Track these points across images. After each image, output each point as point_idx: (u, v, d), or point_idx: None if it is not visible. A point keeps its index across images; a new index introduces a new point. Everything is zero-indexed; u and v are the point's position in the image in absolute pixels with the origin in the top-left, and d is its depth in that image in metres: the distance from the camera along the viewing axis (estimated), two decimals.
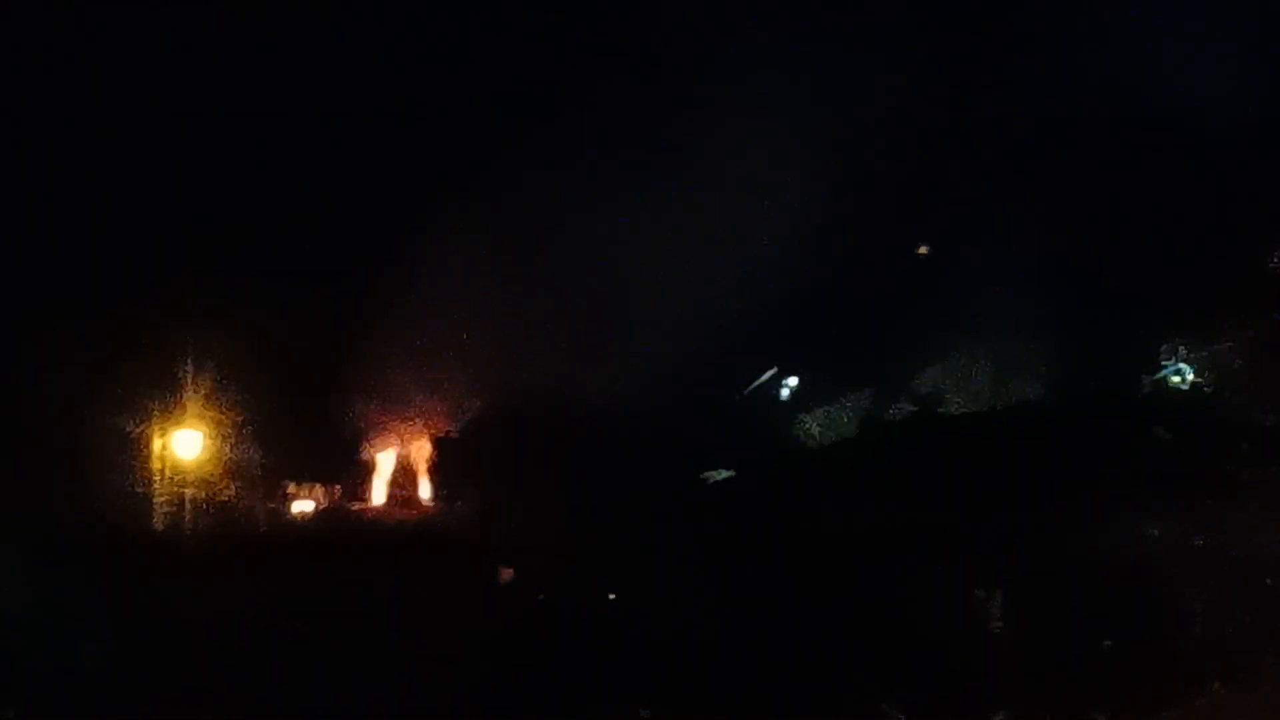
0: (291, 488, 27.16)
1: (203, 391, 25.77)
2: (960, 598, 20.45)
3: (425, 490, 28.38)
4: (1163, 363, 26.51)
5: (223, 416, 25.96)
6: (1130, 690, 18.15)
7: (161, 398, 25.65)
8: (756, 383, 29.55)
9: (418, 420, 28.22)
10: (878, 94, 27.53)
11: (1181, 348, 26.17)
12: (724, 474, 28.04)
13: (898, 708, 17.98)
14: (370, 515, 27.82)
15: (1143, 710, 17.67)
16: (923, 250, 28.93)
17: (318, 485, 27.50)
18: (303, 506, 27.19)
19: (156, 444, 25.63)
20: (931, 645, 19.32)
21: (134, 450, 25.45)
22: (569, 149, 26.77)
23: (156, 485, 25.45)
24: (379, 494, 28.28)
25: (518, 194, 26.86)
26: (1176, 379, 26.45)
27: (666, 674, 19.56)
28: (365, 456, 28.24)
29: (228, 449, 26.14)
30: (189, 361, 25.69)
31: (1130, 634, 19.62)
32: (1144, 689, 18.15)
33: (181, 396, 25.71)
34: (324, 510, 27.37)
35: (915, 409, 29.01)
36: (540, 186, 26.89)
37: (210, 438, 26.00)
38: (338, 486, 27.85)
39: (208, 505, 25.80)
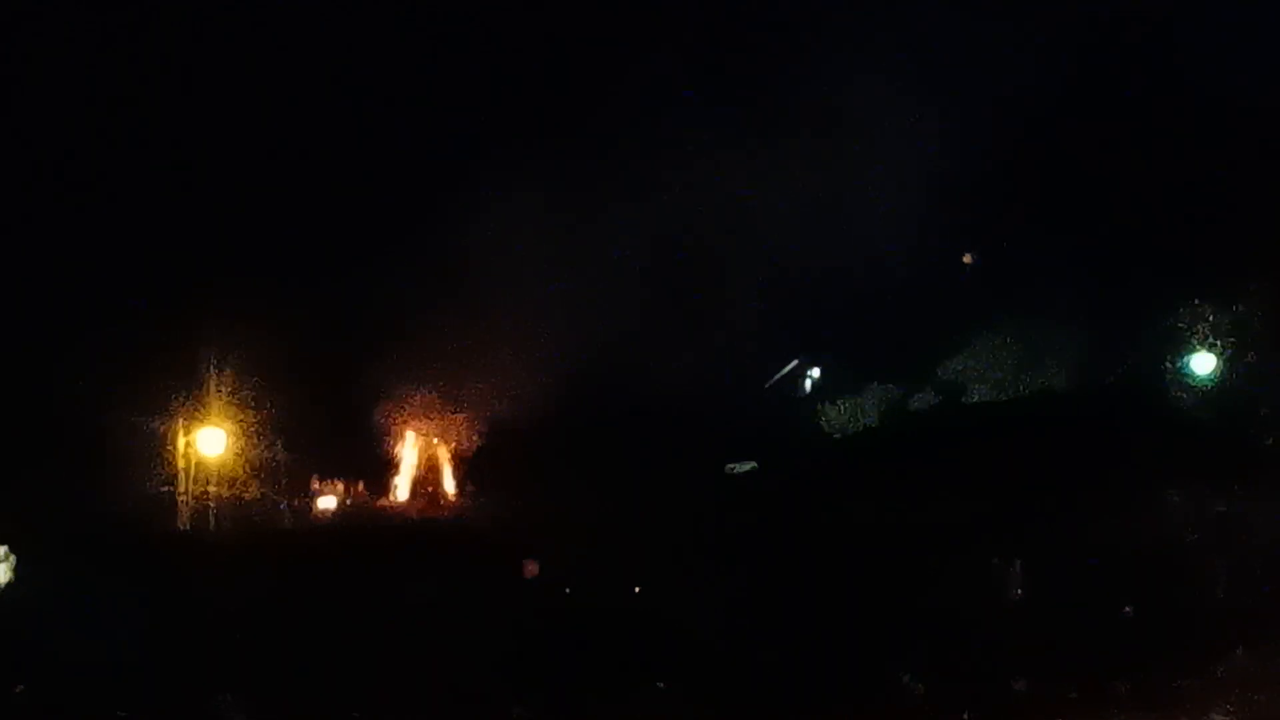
0: (316, 485, 27.22)
1: (229, 391, 25.88)
2: (980, 569, 20.48)
3: (451, 486, 28.42)
4: (1185, 342, 26.46)
5: (248, 415, 26.09)
6: (1152, 658, 18.07)
7: (188, 397, 25.78)
8: (780, 374, 29.59)
9: (444, 417, 28.28)
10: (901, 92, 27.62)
11: (1203, 325, 26.10)
12: (748, 465, 28.10)
13: (917, 679, 17.93)
14: (396, 512, 27.86)
15: (1164, 678, 17.58)
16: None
17: (342, 483, 27.55)
18: (327, 504, 27.23)
19: (183, 442, 25.75)
20: (951, 615, 19.32)
21: (161, 448, 25.58)
22: (595, 153, 26.91)
23: (182, 482, 25.57)
24: (404, 491, 28.32)
25: (543, 198, 26.91)
26: (1198, 367, 26.40)
27: (688, 651, 19.55)
28: (391, 454, 28.31)
29: (253, 447, 26.24)
30: (215, 362, 25.81)
31: (1151, 602, 19.59)
32: (1166, 657, 18.07)
33: (208, 396, 25.83)
34: (349, 507, 27.41)
35: (938, 398, 29.01)
36: (566, 191, 26.96)
37: (236, 436, 26.12)
38: (363, 484, 27.89)
39: (233, 502, 25.89)
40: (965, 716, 17.32)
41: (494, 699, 18.70)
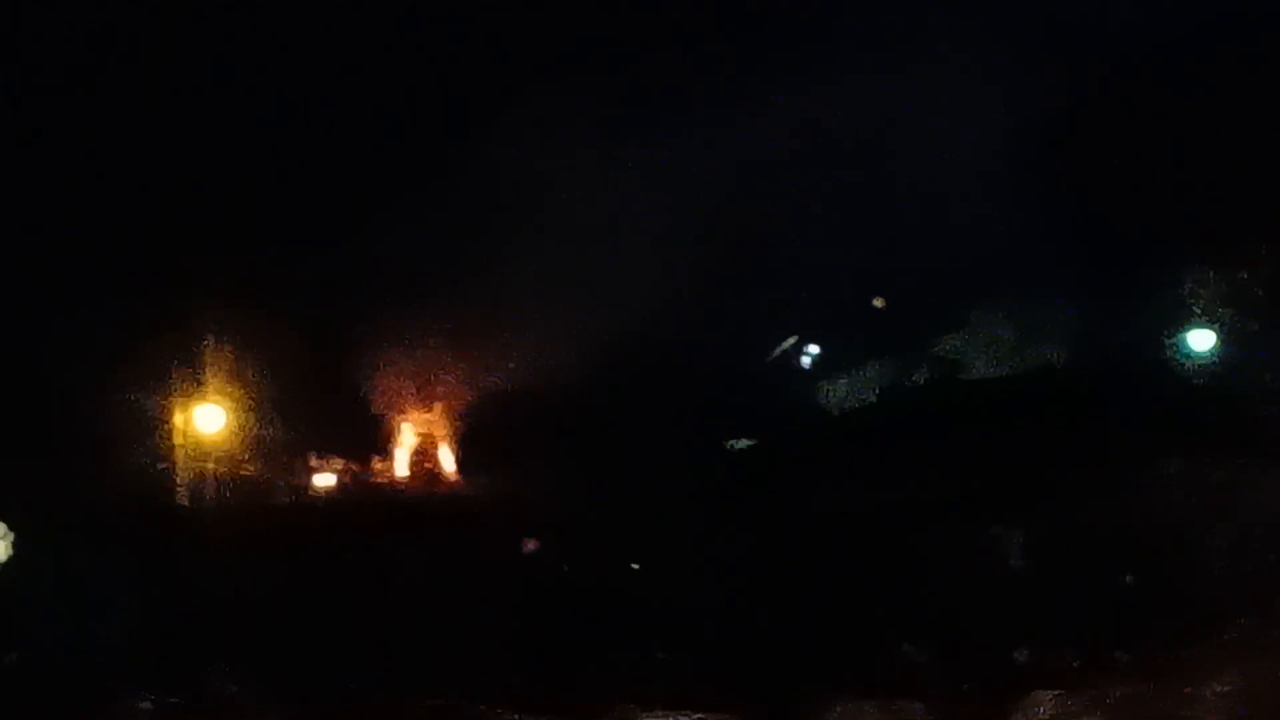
0: (314, 461, 27.13)
1: (225, 366, 25.79)
2: (981, 540, 20.46)
3: (449, 463, 28.34)
4: (1186, 314, 26.45)
5: (245, 391, 26.00)
6: (1154, 628, 18.06)
7: (184, 373, 25.68)
8: (778, 350, 29.50)
9: (441, 393, 28.19)
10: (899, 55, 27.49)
11: (1204, 295, 26.10)
12: (746, 442, 28.03)
13: (918, 649, 17.93)
14: (394, 488, 27.80)
15: (1166, 647, 17.55)
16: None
17: (340, 459, 27.47)
18: (325, 480, 27.16)
19: (179, 419, 25.67)
20: (953, 586, 19.30)
21: (157, 426, 25.50)
22: (585, 113, 26.69)
23: (179, 460, 25.50)
24: (402, 467, 28.23)
25: (533, 164, 26.75)
26: (1196, 344, 26.42)
27: (688, 624, 19.56)
28: (388, 430, 28.21)
29: (250, 423, 26.16)
30: (211, 337, 25.72)
31: (1153, 571, 19.57)
32: (1168, 626, 18.05)
33: (204, 372, 25.74)
34: (347, 484, 27.34)
35: (937, 374, 28.96)
36: (560, 154, 26.77)
37: (233, 412, 26.03)
38: (361, 460, 27.80)
39: (231, 479, 25.81)
40: (967, 686, 17.33)
41: (492, 670, 18.71)
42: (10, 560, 22.52)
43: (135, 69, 26.06)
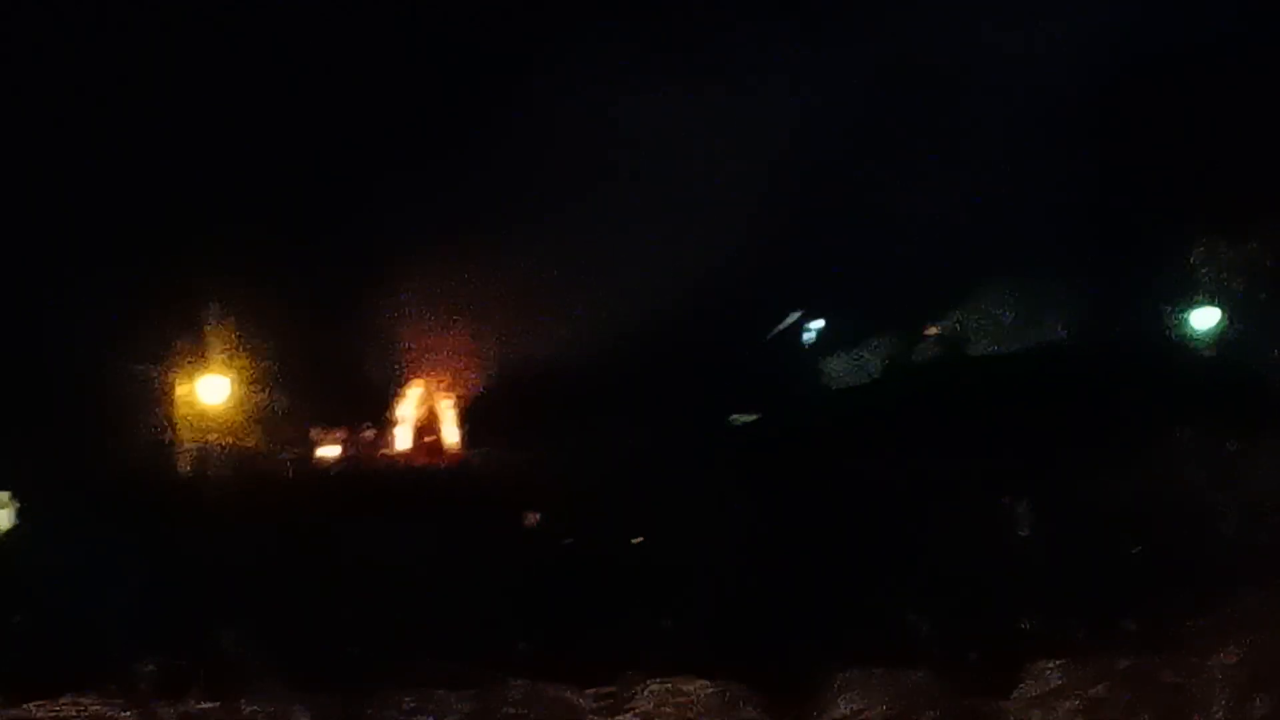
0: (318, 433, 27.09)
1: (230, 337, 25.74)
2: (987, 511, 20.47)
3: (452, 434, 28.31)
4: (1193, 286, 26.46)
5: (250, 362, 25.95)
6: (1160, 598, 18.07)
7: (189, 344, 25.64)
8: (781, 326, 29.48)
9: (445, 365, 28.15)
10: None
11: (1211, 267, 26.10)
12: (749, 418, 28.05)
13: (923, 619, 17.94)
14: (396, 461, 27.78)
15: (1172, 617, 17.57)
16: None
17: (343, 431, 27.43)
18: (328, 452, 27.14)
19: (182, 391, 25.62)
20: (958, 556, 19.31)
21: (161, 396, 25.46)
22: (588, 78, 26.61)
23: (181, 431, 25.47)
24: (407, 438, 28.21)
25: (538, 135, 26.70)
26: (1200, 322, 26.44)
27: (690, 595, 19.59)
28: (393, 401, 28.17)
29: (254, 395, 26.12)
30: (216, 307, 25.68)
31: (1160, 542, 19.59)
32: (1174, 596, 18.07)
33: (208, 342, 25.70)
34: (349, 456, 27.31)
35: (940, 351, 28.95)
36: (563, 127, 26.72)
37: (237, 383, 25.99)
38: (363, 432, 27.77)
39: (233, 451, 25.77)
40: (972, 655, 17.34)
41: (496, 637, 18.73)
42: (14, 528, 22.60)
43: (142, 39, 26.01)
